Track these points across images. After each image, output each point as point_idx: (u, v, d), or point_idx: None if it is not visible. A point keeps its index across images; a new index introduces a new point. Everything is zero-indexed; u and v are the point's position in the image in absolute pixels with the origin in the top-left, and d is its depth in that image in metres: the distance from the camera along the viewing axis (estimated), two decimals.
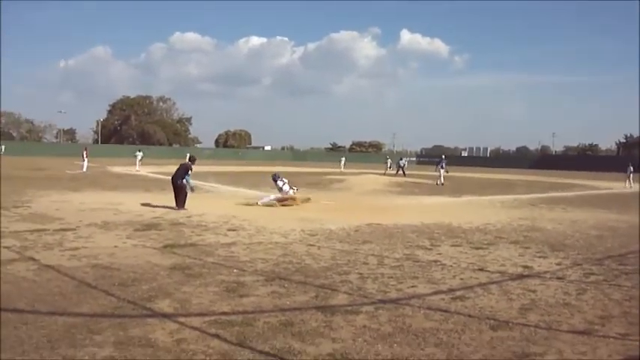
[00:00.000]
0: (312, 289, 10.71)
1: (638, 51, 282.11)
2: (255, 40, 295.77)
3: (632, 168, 59.50)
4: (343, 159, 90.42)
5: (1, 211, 21.03)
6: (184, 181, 24.65)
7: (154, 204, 25.44)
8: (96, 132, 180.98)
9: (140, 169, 61.93)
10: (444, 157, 55.99)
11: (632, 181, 59.06)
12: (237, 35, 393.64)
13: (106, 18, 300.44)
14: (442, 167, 50.83)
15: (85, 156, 58.95)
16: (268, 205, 25.90)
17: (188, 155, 27.87)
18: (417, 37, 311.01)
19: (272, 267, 12.72)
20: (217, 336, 7.80)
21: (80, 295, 9.69)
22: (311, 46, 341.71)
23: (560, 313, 9.53)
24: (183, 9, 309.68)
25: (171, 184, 25.20)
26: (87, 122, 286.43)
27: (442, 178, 50.24)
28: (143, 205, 25.16)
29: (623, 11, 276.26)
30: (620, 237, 19.37)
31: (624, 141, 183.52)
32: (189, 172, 25.10)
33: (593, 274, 13.00)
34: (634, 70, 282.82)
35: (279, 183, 27.05)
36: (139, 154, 67.14)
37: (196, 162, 26.10)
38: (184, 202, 24.22)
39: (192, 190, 25.05)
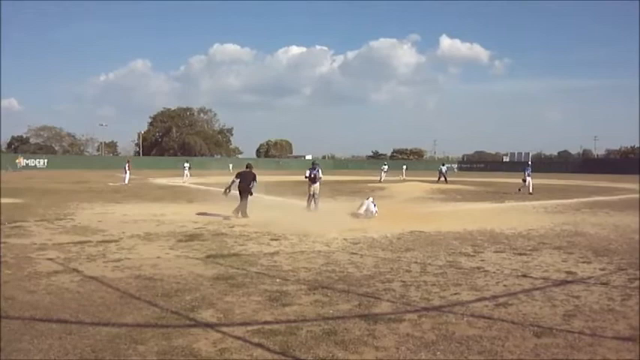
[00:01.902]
0: (354, 297, 10.71)
1: None
2: (295, 50, 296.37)
3: None
4: (386, 166, 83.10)
5: (45, 223, 21.29)
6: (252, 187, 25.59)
7: (197, 215, 25.53)
8: (137, 144, 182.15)
9: (187, 180, 62.14)
10: (529, 162, 54.01)
11: None
12: (277, 45, 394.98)
13: (145, 32, 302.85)
14: (529, 174, 47.84)
15: (127, 168, 59.41)
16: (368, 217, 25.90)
17: (247, 164, 28.40)
18: (457, 42, 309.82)
19: (315, 276, 12.75)
20: (260, 345, 7.83)
21: (124, 306, 9.78)
22: (350, 54, 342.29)
23: (605, 319, 9.46)
24: (221, 20, 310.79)
25: (240, 193, 25.72)
26: (128, 135, 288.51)
27: (530, 186, 47.17)
28: (186, 216, 25.18)
29: None
30: None
31: None
32: (256, 177, 26.20)
33: (637, 279, 12.86)
34: None
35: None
36: (187, 165, 66.98)
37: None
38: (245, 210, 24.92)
39: (250, 193, 25.83)
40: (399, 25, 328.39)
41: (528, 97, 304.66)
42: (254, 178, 26.04)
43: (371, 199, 27.13)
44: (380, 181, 68.86)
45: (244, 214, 24.60)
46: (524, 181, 47.44)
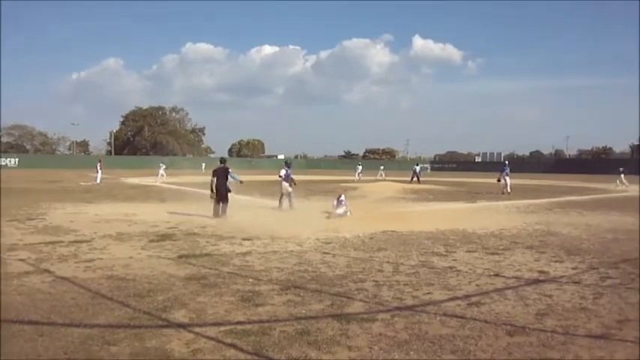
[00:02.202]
0: (327, 297, 10.70)
1: None
2: (268, 49, 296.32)
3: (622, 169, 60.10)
4: (360, 167, 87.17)
5: (16, 223, 21.15)
6: (229, 182, 25.62)
7: (169, 214, 25.53)
8: (109, 143, 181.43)
9: (160, 180, 63.02)
10: (507, 162, 54.27)
11: (624, 182, 61.12)
12: (250, 45, 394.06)
13: (118, 30, 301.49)
14: (507, 174, 47.90)
15: (99, 167, 59.34)
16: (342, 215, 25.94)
17: (220, 159, 28.25)
18: (430, 43, 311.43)
19: (287, 276, 12.72)
20: (233, 346, 7.80)
21: (96, 307, 9.71)
22: (323, 54, 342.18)
23: (577, 317, 9.51)
24: (194, 19, 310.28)
25: (215, 192, 25.63)
26: (100, 134, 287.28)
27: (508, 186, 47.33)
28: (158, 215, 25.15)
29: (630, 19, 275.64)
30: (636, 240, 19.22)
31: (638, 143, 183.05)
32: (230, 171, 26.01)
33: (609, 277, 12.98)
34: None
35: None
36: (163, 165, 68.24)
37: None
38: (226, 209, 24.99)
39: (240, 182, 26.56)
40: (373, 25, 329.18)
41: (501, 97, 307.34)
42: (227, 174, 25.82)
43: (343, 196, 27.18)
44: (355, 181, 70.07)
45: (218, 214, 24.70)
46: (499, 180, 47.84)
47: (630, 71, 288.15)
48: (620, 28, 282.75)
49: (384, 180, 73.98)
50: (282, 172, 29.55)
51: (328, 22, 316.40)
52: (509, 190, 46.46)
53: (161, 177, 65.06)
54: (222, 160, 27.36)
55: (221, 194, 25.37)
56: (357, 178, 78.01)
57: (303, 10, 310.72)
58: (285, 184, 29.27)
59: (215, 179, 25.67)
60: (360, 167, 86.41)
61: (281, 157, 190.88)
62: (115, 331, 8.38)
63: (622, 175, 61.15)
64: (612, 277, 12.97)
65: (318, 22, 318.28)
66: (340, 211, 25.89)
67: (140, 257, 14.88)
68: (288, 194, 29.01)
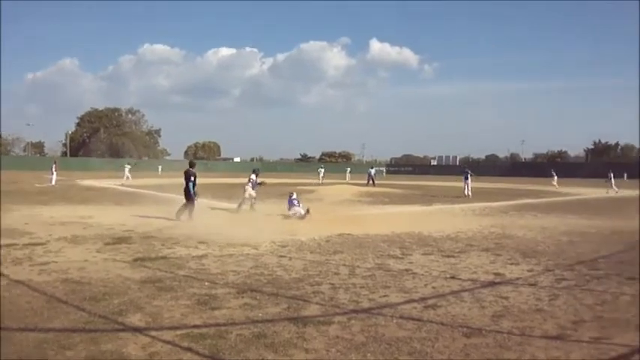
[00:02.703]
0: (284, 300, 10.66)
1: (595, 59, 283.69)
2: (225, 51, 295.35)
3: (612, 174, 60.54)
4: (322, 170, 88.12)
5: None
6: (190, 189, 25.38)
7: (125, 217, 25.27)
8: (64, 145, 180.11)
9: (126, 182, 63.09)
10: (465, 166, 54.78)
11: (614, 186, 60.65)
12: (207, 46, 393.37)
13: (74, 30, 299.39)
14: (467, 178, 48.49)
15: (54, 169, 59.05)
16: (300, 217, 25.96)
17: (189, 162, 27.95)
18: (386, 46, 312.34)
19: (243, 279, 12.65)
20: (190, 349, 7.75)
21: (51, 310, 9.58)
22: (280, 56, 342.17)
23: (533, 318, 9.56)
24: (152, 20, 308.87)
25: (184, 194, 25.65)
26: (55, 135, 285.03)
27: (469, 189, 47.95)
28: (114, 218, 24.88)
29: (591, 19, 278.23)
30: (591, 242, 19.56)
31: (593, 147, 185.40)
32: (192, 179, 25.57)
33: (564, 279, 13.09)
34: (602, 77, 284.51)
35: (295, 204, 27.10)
36: (128, 167, 68.54)
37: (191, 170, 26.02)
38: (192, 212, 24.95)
39: (195, 194, 25.65)
40: (330, 28, 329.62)
41: (457, 101, 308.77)
42: (188, 178, 25.57)
43: (294, 194, 27.24)
44: (319, 184, 70.55)
45: (178, 216, 24.58)
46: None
47: (586, 75, 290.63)
48: (577, 31, 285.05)
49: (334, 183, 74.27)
50: (253, 177, 29.84)
51: (286, 25, 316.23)
52: (469, 193, 47.03)
53: (126, 178, 65.15)
54: (191, 164, 27.04)
55: (185, 196, 25.37)
56: (320, 181, 78.83)
57: (261, 13, 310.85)
58: (250, 188, 29.39)
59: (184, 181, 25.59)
60: (323, 170, 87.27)
61: (237, 159, 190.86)
62: (70, 335, 8.29)
63: (612, 180, 61.38)
64: (567, 279, 13.08)
65: (276, 24, 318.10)
66: (294, 211, 25.93)
67: (95, 260, 14.69)
68: (252, 198, 29.13)
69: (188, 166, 26.50)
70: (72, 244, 17.35)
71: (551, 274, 13.67)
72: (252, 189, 29.84)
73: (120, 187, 54.13)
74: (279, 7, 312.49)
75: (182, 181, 25.51)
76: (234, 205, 29.68)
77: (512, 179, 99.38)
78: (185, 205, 25.04)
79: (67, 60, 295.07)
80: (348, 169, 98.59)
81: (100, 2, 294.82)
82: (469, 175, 48.69)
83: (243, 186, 30.31)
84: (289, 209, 26.60)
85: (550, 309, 10.26)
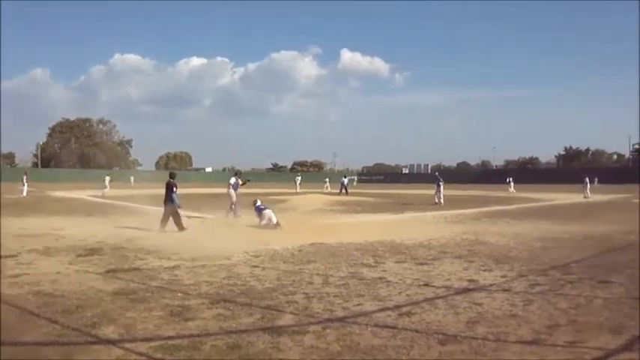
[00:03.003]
0: (257, 310, 10.59)
1: (565, 65, 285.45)
2: (196, 61, 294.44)
3: (588, 179, 61.20)
4: (299, 178, 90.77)
5: None
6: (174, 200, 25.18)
7: (97, 228, 25.09)
8: (35, 155, 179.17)
9: (106, 193, 63.51)
10: (437, 173, 55.29)
11: (588, 191, 61.44)
12: (178, 56, 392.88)
13: (46, 39, 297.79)
14: (439, 185, 48.98)
15: (25, 180, 58.84)
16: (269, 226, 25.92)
17: (170, 173, 28.04)
18: (357, 55, 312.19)
19: (216, 289, 12.57)
20: None
21: (23, 324, 9.48)
22: (251, 66, 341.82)
23: (508, 324, 9.57)
24: (123, 30, 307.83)
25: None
26: (26, 146, 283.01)
27: (442, 197, 48.52)
28: (86, 229, 24.75)
29: (559, 27, 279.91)
30: (564, 247, 19.67)
31: (564, 153, 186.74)
32: (174, 189, 25.47)
33: (538, 284, 13.12)
34: (572, 84, 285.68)
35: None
36: (108, 178, 69.13)
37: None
38: (180, 222, 24.90)
39: (178, 207, 25.41)
40: (301, 38, 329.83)
41: (428, 109, 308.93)
42: (170, 189, 25.52)
43: (259, 201, 27.24)
44: (296, 193, 72.32)
45: (162, 227, 24.54)
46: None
47: (556, 82, 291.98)
48: (544, 39, 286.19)
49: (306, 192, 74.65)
50: (232, 180, 29.97)
51: (257, 35, 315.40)
52: (441, 201, 47.49)
53: (107, 190, 65.54)
54: (172, 175, 27.08)
55: (165, 204, 25.31)
56: (297, 189, 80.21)
57: (232, 23, 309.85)
58: (233, 192, 29.51)
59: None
60: (299, 179, 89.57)
61: (209, 169, 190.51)
62: (43, 348, 8.21)
63: (588, 185, 62.04)
64: (541, 284, 13.11)
65: (247, 34, 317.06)
66: (266, 219, 25.91)
67: (68, 272, 14.54)
68: (232, 204, 29.27)
69: (169, 177, 26.52)
70: (44, 256, 17.23)
71: (524, 280, 13.71)
72: (235, 191, 29.91)
73: (93, 199, 53.86)
74: (250, 17, 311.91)
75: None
76: (208, 216, 29.64)
77: (484, 186, 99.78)
78: (167, 216, 24.95)
79: (38, 70, 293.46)
80: (327, 179, 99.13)
81: (71, 11, 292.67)
82: (440, 183, 48.94)
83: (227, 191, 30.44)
84: (259, 218, 26.55)
85: (524, 314, 10.26)
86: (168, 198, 25.20)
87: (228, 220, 29.25)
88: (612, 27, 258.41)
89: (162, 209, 25.52)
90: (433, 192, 49.09)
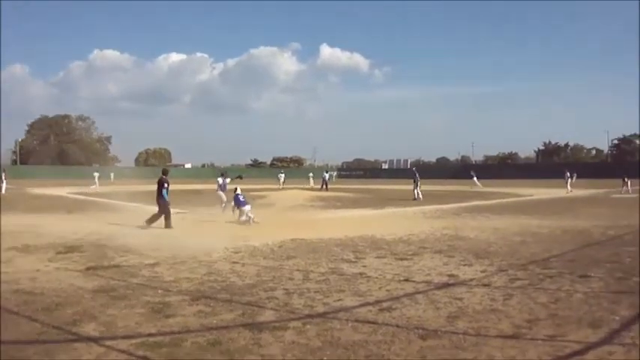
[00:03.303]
0: (238, 306, 10.59)
1: (538, 61, 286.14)
2: (175, 57, 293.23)
3: (569, 174, 61.44)
4: (282, 175, 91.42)
5: None
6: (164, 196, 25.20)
7: (77, 225, 25.00)
8: (14, 152, 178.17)
9: (96, 189, 64.42)
10: (414, 169, 55.61)
11: (569, 185, 61.75)
12: (157, 52, 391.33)
13: (24, 36, 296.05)
14: (416, 180, 49.13)
15: (3, 178, 58.55)
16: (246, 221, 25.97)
17: (162, 170, 28.01)
18: (337, 51, 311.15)
19: (197, 286, 12.56)
20: (145, 358, 7.67)
21: (2, 323, 9.40)
22: (231, 62, 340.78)
23: (488, 318, 9.60)
24: (102, 26, 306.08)
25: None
26: (4, 142, 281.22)
27: (419, 191, 48.60)
28: (65, 226, 24.72)
29: (535, 25, 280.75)
30: (543, 242, 19.75)
31: (543, 148, 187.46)
32: (165, 185, 25.48)
33: (518, 279, 13.16)
34: (549, 80, 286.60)
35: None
36: (97, 174, 71.26)
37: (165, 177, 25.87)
38: (169, 219, 24.90)
39: (168, 203, 25.50)
40: (281, 34, 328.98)
41: (407, 104, 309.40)
42: (162, 185, 25.54)
43: (239, 189, 27.23)
44: (279, 189, 73.50)
45: (149, 223, 24.60)
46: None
47: (534, 77, 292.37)
48: (524, 34, 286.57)
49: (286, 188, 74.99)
50: (220, 181, 30.17)
51: (236, 30, 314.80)
52: (420, 197, 47.58)
53: (96, 186, 67.18)
54: (164, 172, 27.07)
55: (158, 204, 25.35)
56: (280, 186, 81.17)
57: (211, 18, 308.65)
58: (221, 193, 29.63)
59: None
60: (283, 175, 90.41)
61: (188, 166, 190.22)
62: (23, 347, 8.18)
63: (569, 179, 62.26)
64: (521, 279, 13.15)
65: (226, 29, 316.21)
66: (244, 215, 25.95)
67: (47, 270, 14.50)
68: (223, 202, 29.37)
69: (161, 174, 26.49)
70: (23, 254, 17.16)
71: (504, 274, 13.74)
72: (223, 191, 30.11)
73: (72, 196, 53.52)
74: (229, 12, 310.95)
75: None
76: (188, 212, 29.60)
77: (463, 181, 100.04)
78: (159, 213, 24.96)
79: (17, 66, 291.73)
80: (311, 174, 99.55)
81: (50, 7, 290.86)
82: (417, 178, 49.11)
83: (215, 192, 30.47)
84: (238, 212, 26.57)
85: (504, 308, 10.30)
86: (160, 195, 25.22)
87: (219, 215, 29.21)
88: (590, 23, 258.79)
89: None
90: (412, 187, 49.19)
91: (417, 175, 49.84)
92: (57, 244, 19.17)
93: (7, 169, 68.50)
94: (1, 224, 23.00)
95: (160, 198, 25.17)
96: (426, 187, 51.04)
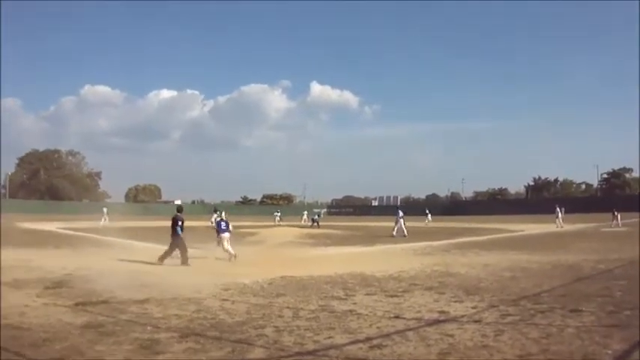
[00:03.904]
0: (227, 344, 10.53)
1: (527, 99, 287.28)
2: (166, 94, 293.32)
3: (558, 209, 61.86)
4: (278, 214, 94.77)
5: None
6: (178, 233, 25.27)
7: (65, 260, 24.81)
8: (4, 186, 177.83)
9: (104, 224, 65.07)
10: (397, 207, 56.52)
11: (561, 220, 62.07)
12: (148, 88, 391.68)
13: (17, 69, 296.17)
14: (401, 218, 49.59)
15: None
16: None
17: (177, 207, 28.40)
18: (327, 89, 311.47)
19: (186, 323, 12.48)
20: None
21: None
22: (221, 99, 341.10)
23: (480, 354, 9.57)
24: (93, 61, 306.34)
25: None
26: None
27: (395, 229, 49.02)
28: (55, 261, 24.49)
29: (523, 61, 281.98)
30: (533, 277, 19.73)
31: (533, 184, 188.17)
32: (180, 223, 25.52)
33: (509, 314, 13.14)
34: (538, 116, 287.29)
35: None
36: (105, 210, 73.21)
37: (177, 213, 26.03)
38: (186, 255, 24.93)
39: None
40: (270, 71, 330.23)
41: (397, 142, 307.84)
42: (176, 223, 25.59)
43: (224, 214, 27.24)
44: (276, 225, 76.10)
45: (160, 260, 24.65)
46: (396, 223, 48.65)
47: (523, 113, 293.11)
48: (512, 72, 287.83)
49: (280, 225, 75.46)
50: (215, 217, 30.27)
51: (226, 68, 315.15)
52: (404, 233, 47.84)
53: (104, 221, 68.25)
54: (179, 209, 27.28)
55: (173, 242, 25.29)
56: (276, 223, 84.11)
57: (202, 55, 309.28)
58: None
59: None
60: (279, 214, 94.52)
61: (178, 202, 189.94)
62: None
63: (560, 215, 62.51)
64: (512, 314, 13.14)
65: (217, 67, 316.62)
66: (222, 247, 26.03)
67: (36, 305, 14.41)
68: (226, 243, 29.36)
69: (176, 211, 26.66)
70: (12, 288, 17.08)
71: (495, 310, 13.71)
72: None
73: (62, 231, 53.45)
74: (221, 50, 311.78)
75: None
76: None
77: (453, 218, 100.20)
78: (171, 250, 25.00)
79: (9, 99, 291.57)
80: (305, 212, 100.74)
81: (43, 41, 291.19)
82: (399, 215, 49.66)
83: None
84: (217, 236, 26.65)
85: (496, 344, 10.25)
86: (175, 231, 25.23)
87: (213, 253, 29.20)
88: (578, 59, 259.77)
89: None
90: (426, 222, 49.66)
91: (400, 212, 50.47)
92: (46, 279, 19.16)
93: None
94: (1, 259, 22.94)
95: (175, 234, 25.14)
96: (415, 223, 51.12)
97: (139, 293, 16.50)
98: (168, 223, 25.81)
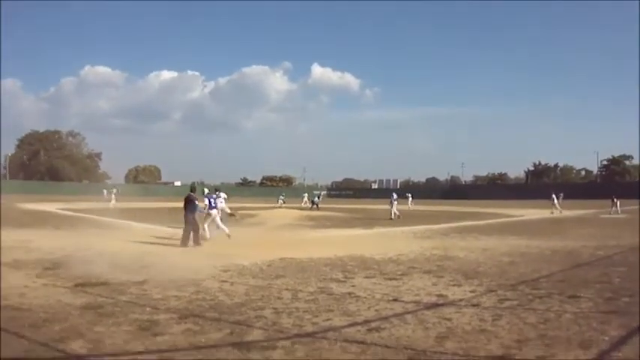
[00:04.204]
0: (226, 325, 10.53)
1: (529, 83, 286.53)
2: (166, 75, 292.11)
3: (555, 195, 61.70)
4: (283, 196, 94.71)
5: None
6: (197, 213, 25.42)
7: (65, 241, 24.86)
8: (4, 167, 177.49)
9: (114, 204, 65.02)
10: (393, 190, 56.93)
11: (558, 206, 61.88)
12: (148, 69, 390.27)
13: (16, 51, 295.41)
14: (394, 201, 50.82)
15: None
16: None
17: (191, 186, 28.32)
18: (328, 71, 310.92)
19: (185, 304, 12.48)
20: None
21: None
22: (222, 80, 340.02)
23: (477, 339, 9.54)
24: (94, 42, 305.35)
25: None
26: None
27: (395, 212, 50.06)
28: (55, 242, 24.58)
29: (523, 48, 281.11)
30: (532, 262, 19.72)
31: (533, 169, 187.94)
32: (196, 202, 25.55)
33: (507, 299, 13.12)
34: (538, 101, 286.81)
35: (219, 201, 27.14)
36: (114, 190, 72.88)
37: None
38: (198, 235, 24.98)
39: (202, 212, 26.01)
40: (272, 52, 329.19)
41: (397, 125, 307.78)
42: (190, 202, 25.49)
43: (223, 195, 27.15)
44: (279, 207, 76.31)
45: (186, 243, 24.54)
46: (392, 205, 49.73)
47: (523, 99, 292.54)
48: (513, 57, 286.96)
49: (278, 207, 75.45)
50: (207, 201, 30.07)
51: (228, 49, 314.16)
52: (397, 215, 49.34)
53: (114, 201, 67.86)
54: (192, 189, 27.15)
55: (186, 221, 25.14)
56: (279, 204, 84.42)
57: (203, 36, 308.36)
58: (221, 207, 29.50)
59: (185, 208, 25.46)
60: (284, 197, 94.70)
61: (177, 183, 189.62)
62: None
63: (556, 201, 62.41)
64: (510, 299, 13.13)
65: (218, 48, 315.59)
66: (206, 223, 26.00)
67: (35, 286, 14.40)
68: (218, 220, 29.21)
69: (189, 191, 26.52)
70: (12, 269, 17.06)
71: (493, 295, 13.71)
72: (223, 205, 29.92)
73: (62, 212, 53.33)
74: (222, 31, 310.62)
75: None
76: (177, 230, 29.57)
77: (453, 202, 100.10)
78: (187, 230, 24.89)
79: (9, 80, 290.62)
80: (306, 194, 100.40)
81: (43, 22, 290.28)
82: (393, 198, 50.92)
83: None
84: (208, 210, 26.61)
85: (494, 329, 10.25)
86: (189, 212, 25.10)
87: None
88: (579, 45, 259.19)
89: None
90: (407, 206, 49.79)
91: (395, 195, 51.67)
92: (45, 259, 19.13)
93: None
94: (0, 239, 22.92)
95: (189, 214, 25.02)
96: (415, 207, 51.15)
97: (139, 275, 16.47)
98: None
